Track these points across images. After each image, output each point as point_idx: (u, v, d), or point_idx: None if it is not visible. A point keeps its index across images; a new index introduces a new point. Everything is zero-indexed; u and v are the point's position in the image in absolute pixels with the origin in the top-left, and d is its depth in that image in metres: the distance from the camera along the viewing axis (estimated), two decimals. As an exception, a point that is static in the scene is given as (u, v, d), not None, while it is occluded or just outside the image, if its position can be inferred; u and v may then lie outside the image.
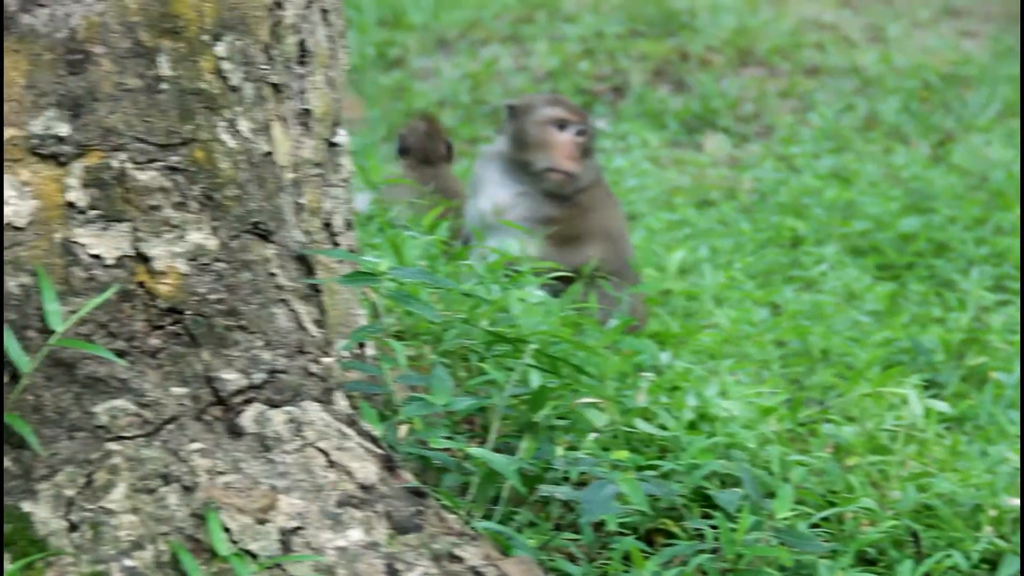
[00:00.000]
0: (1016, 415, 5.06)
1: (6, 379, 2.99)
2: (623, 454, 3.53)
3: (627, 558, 3.37)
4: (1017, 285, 6.71)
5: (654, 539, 3.63)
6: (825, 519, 3.73)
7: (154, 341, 3.06)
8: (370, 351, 3.67)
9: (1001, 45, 10.54)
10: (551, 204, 5.89)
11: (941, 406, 4.22)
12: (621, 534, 3.52)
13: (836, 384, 4.60)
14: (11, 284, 3.00)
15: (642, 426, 3.88)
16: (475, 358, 4.03)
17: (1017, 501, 3.89)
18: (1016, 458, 4.15)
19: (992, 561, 3.69)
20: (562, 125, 5.83)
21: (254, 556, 2.93)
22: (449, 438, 3.47)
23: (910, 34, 11.14)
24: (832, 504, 3.78)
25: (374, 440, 3.21)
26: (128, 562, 2.91)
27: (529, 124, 5.84)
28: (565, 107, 5.90)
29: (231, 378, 3.08)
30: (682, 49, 10.79)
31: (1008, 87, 9.69)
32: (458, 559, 3.04)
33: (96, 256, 3.04)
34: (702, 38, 10.94)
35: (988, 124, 9.18)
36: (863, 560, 3.69)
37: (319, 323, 3.27)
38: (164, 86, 3.10)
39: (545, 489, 3.46)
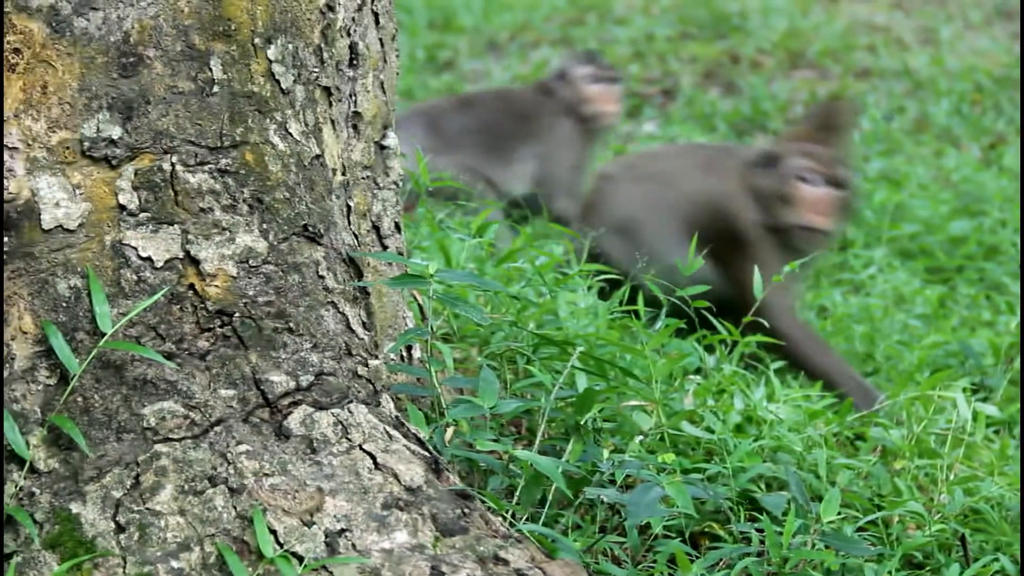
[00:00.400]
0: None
1: (55, 380, 3.02)
2: (669, 457, 3.53)
3: (672, 561, 3.38)
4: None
5: (700, 542, 3.63)
6: (872, 523, 3.73)
7: (203, 343, 3.08)
8: (417, 353, 3.68)
9: (1054, 47, 10.48)
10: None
11: (990, 410, 4.21)
12: (667, 537, 3.53)
13: (884, 387, 4.59)
14: (61, 286, 3.03)
15: (688, 429, 3.88)
16: (522, 361, 4.04)
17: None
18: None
19: (1040, 566, 3.68)
20: (809, 178, 5.40)
21: (300, 558, 2.95)
22: (495, 440, 3.48)
23: (962, 36, 11.08)
24: (879, 508, 3.77)
25: (420, 442, 3.23)
26: (175, 564, 2.94)
27: (777, 177, 5.43)
28: (815, 158, 5.43)
29: (279, 380, 3.10)
30: (733, 51, 10.77)
31: (1061, 90, 9.63)
32: (503, 561, 3.04)
33: (146, 258, 3.07)
34: (753, 40, 10.92)
35: (1041, 127, 9.13)
36: (910, 564, 3.68)
37: (367, 325, 3.28)
38: (215, 89, 3.12)
39: (591, 492, 3.46)
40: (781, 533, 3.40)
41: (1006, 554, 3.67)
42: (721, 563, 3.42)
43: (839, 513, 3.59)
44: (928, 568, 3.67)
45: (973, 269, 7.13)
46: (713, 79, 10.42)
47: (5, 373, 3.00)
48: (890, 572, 3.50)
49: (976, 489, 3.86)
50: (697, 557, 3.44)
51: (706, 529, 3.67)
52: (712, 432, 3.88)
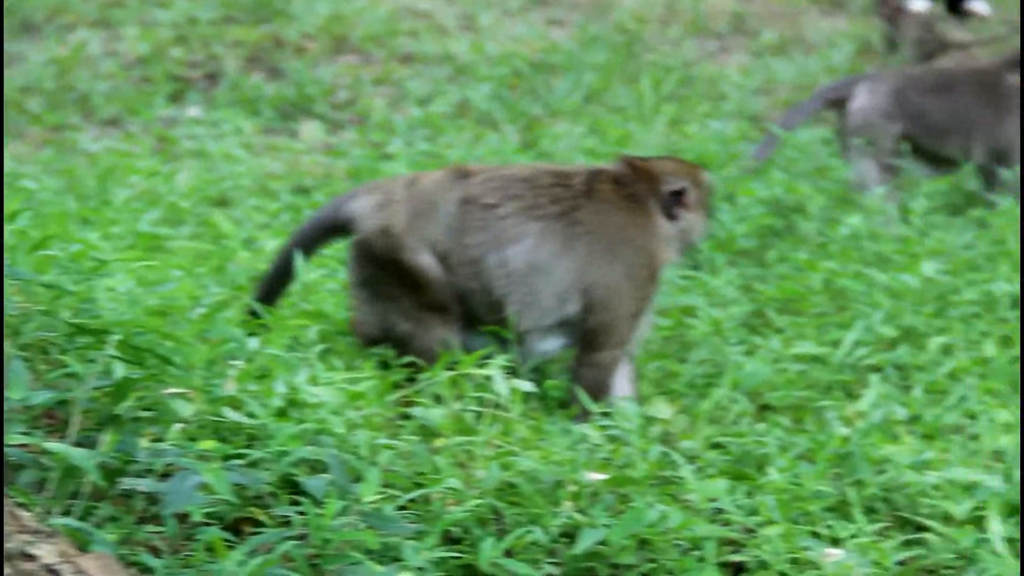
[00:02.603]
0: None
1: None
2: (210, 444, 3.51)
3: (211, 549, 3.35)
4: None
5: (242, 528, 3.62)
6: (412, 500, 3.79)
7: None
8: (-58, 346, 3.54)
9: (587, 34, 10.84)
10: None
11: (525, 386, 4.32)
12: (207, 524, 3.49)
13: (424, 367, 4.66)
14: None
15: (230, 415, 3.86)
16: (56, 351, 3.94)
17: (597, 476, 4.02)
18: (596, 435, 4.30)
19: (571, 535, 3.80)
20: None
21: None
22: (26, 433, 3.39)
23: (501, 23, 11.36)
24: (419, 486, 3.83)
25: (-56, 438, 3.11)
26: None
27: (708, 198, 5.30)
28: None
29: None
30: (277, 35, 10.74)
31: (592, 74, 9.97)
32: (32, 557, 2.96)
33: None
34: (297, 25, 10.91)
35: (574, 110, 9.44)
36: (449, 539, 3.76)
37: None
38: None
39: (127, 482, 3.41)
40: (322, 515, 3.42)
41: (539, 525, 3.79)
42: (262, 548, 3.42)
43: (380, 493, 3.64)
44: (466, 542, 3.75)
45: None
46: (257, 63, 10.37)
47: None
48: (429, 548, 3.56)
49: (512, 464, 3.97)
50: (238, 543, 3.42)
51: (248, 515, 3.65)
52: (254, 417, 3.87)
